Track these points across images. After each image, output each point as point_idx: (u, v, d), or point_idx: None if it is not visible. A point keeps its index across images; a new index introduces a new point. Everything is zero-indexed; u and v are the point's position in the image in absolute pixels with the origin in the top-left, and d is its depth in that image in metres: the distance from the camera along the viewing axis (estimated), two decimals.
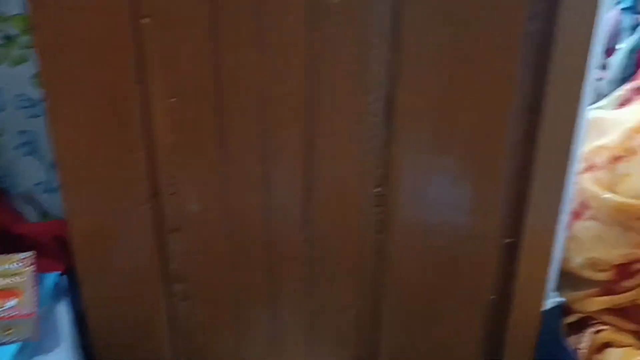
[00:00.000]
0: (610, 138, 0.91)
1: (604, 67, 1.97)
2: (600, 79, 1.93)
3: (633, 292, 0.88)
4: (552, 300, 0.97)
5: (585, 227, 0.91)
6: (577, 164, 0.86)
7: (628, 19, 2.58)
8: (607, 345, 0.94)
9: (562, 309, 0.97)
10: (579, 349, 0.95)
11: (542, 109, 0.68)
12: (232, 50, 0.63)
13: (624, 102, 0.96)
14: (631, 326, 0.92)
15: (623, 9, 2.66)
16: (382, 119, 0.67)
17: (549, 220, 0.78)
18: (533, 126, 0.70)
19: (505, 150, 0.70)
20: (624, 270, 0.88)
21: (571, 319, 0.98)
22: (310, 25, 0.62)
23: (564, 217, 0.91)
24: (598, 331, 0.94)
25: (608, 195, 0.86)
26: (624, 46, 2.24)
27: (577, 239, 0.92)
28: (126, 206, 0.73)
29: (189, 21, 0.62)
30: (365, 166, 0.70)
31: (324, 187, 0.71)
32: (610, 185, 0.88)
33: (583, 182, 0.90)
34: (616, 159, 0.88)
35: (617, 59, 2.22)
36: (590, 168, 0.91)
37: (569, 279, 0.95)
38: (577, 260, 0.92)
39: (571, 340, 0.98)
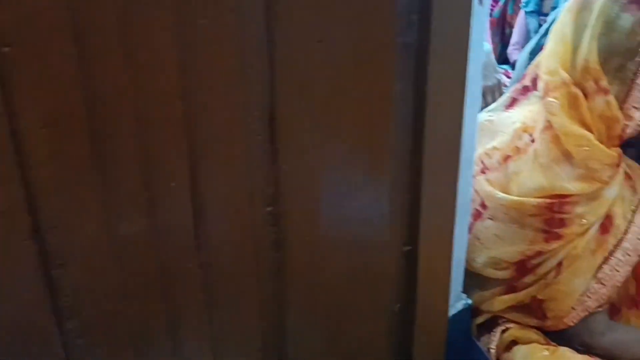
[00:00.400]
0: (500, 139, 0.93)
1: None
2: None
3: (532, 287, 0.91)
4: (461, 302, 0.99)
5: (484, 227, 0.93)
6: (472, 167, 0.88)
7: (534, 22, 2.68)
8: (514, 342, 0.96)
9: (472, 310, 0.99)
10: (491, 348, 0.97)
11: (426, 118, 0.69)
12: (101, 75, 0.61)
13: (511, 103, 0.99)
14: (534, 322, 0.95)
15: (528, 12, 2.76)
16: (266, 137, 0.66)
17: (444, 226, 0.79)
18: (420, 135, 0.71)
19: (394, 161, 0.71)
20: (522, 267, 0.90)
21: (481, 319, 1.00)
22: (181, 46, 0.60)
23: (465, 219, 0.93)
24: (505, 329, 0.97)
25: (501, 195, 0.89)
26: (526, 48, 2.33)
27: (478, 239, 0.94)
28: (7, 243, 0.68)
29: (52, 47, 0.59)
30: (255, 185, 0.69)
31: (214, 209, 0.69)
32: (503, 184, 0.90)
33: (479, 183, 0.92)
34: (506, 159, 0.91)
35: (520, 61, 2.32)
36: (484, 170, 0.93)
37: (475, 280, 0.97)
38: (480, 261, 0.94)
39: (483, 341, 1.00)
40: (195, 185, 0.68)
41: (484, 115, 1.06)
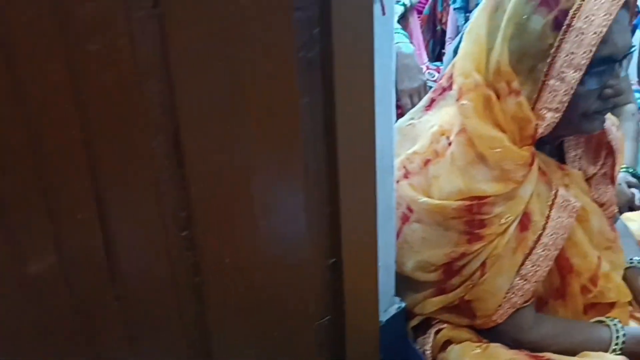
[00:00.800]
0: (420, 143, 0.94)
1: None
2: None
3: (460, 289, 0.92)
4: (394, 306, 1.00)
5: (412, 230, 0.94)
6: (394, 173, 0.89)
7: (461, 19, 2.72)
8: (449, 342, 0.97)
9: (406, 314, 0.99)
10: (426, 350, 0.98)
11: (337, 130, 0.69)
12: None
13: (430, 104, 1.00)
14: (466, 321, 0.96)
15: (456, 9, 2.80)
16: (173, 161, 0.64)
17: (367, 235, 0.79)
18: (333, 147, 0.71)
19: (309, 175, 0.70)
20: (449, 269, 0.91)
21: (415, 321, 1.01)
22: (74, 73, 0.58)
23: (391, 225, 0.93)
24: (439, 330, 0.97)
25: (423, 199, 0.89)
26: (451, 46, 2.37)
27: (407, 242, 0.95)
28: None
29: None
30: (167, 211, 0.67)
31: (126, 239, 0.67)
32: (425, 188, 0.91)
33: (402, 188, 0.92)
34: (426, 162, 0.92)
35: (446, 60, 2.35)
36: (407, 174, 0.93)
37: (407, 283, 0.98)
38: (410, 264, 0.95)
39: (419, 342, 1.01)
40: (103, 215, 0.65)
41: (405, 119, 1.07)
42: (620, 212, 1.56)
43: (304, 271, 0.76)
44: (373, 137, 0.74)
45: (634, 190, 1.66)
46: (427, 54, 2.58)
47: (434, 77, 1.99)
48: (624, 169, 1.74)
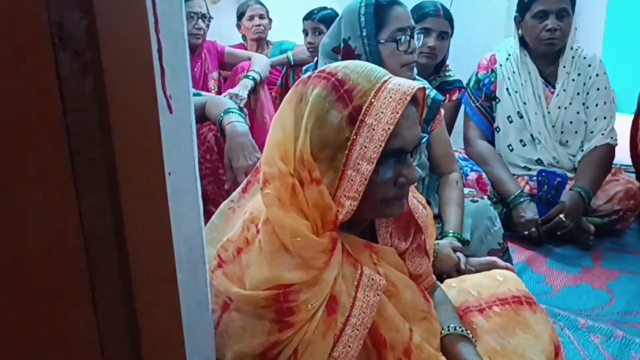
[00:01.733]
0: (234, 231, 0.95)
1: None
2: None
3: None
4: None
5: (231, 319, 0.93)
6: (205, 265, 0.88)
7: None
8: None
9: None
10: None
11: (126, 233, 0.67)
12: None
13: (246, 187, 1.02)
14: None
15: None
16: None
17: (171, 330, 0.77)
18: (124, 251, 0.69)
19: (101, 291, 0.67)
20: (264, 358, 0.91)
21: None
22: None
23: (207, 317, 0.91)
24: None
25: (235, 290, 0.89)
26: None
27: (226, 332, 0.94)
28: None
29: None
30: None
31: None
32: (240, 277, 0.91)
33: (217, 278, 0.92)
34: (239, 251, 0.92)
35: None
36: (221, 263, 0.93)
37: None
38: (228, 355, 0.93)
39: None
40: None
41: (227, 202, 1.08)
42: (449, 276, 1.67)
43: None
44: (169, 234, 0.73)
45: (459, 254, 1.79)
46: None
47: None
48: (451, 234, 1.87)
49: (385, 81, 0.92)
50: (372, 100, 0.88)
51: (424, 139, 0.96)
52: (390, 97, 0.88)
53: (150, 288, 0.73)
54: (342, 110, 0.89)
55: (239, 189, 1.06)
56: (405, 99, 0.88)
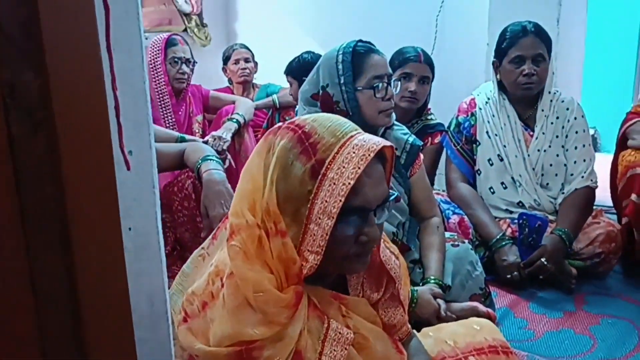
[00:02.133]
0: (198, 284, 0.93)
1: None
2: None
3: None
4: None
5: None
6: (168, 321, 0.86)
7: None
8: None
9: None
10: None
11: (79, 292, 0.66)
12: None
13: (216, 233, 1.00)
14: None
15: None
16: None
17: None
18: (77, 312, 0.67)
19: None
20: None
21: None
22: None
23: None
24: None
25: (198, 346, 0.87)
26: None
27: None
28: None
29: None
30: None
31: None
32: (204, 332, 0.89)
33: (181, 334, 0.90)
34: (204, 305, 0.90)
35: None
36: (186, 318, 0.91)
37: None
38: None
39: None
40: None
41: (198, 250, 1.06)
42: (429, 323, 1.65)
43: None
44: (126, 290, 0.71)
45: (439, 301, 1.77)
46: None
47: None
48: (432, 280, 1.85)
49: (352, 136, 0.91)
50: (336, 154, 0.88)
51: (392, 196, 0.96)
52: (354, 152, 0.88)
53: (104, 348, 0.71)
54: (306, 163, 0.88)
55: (210, 236, 1.05)
56: (369, 155, 0.88)
